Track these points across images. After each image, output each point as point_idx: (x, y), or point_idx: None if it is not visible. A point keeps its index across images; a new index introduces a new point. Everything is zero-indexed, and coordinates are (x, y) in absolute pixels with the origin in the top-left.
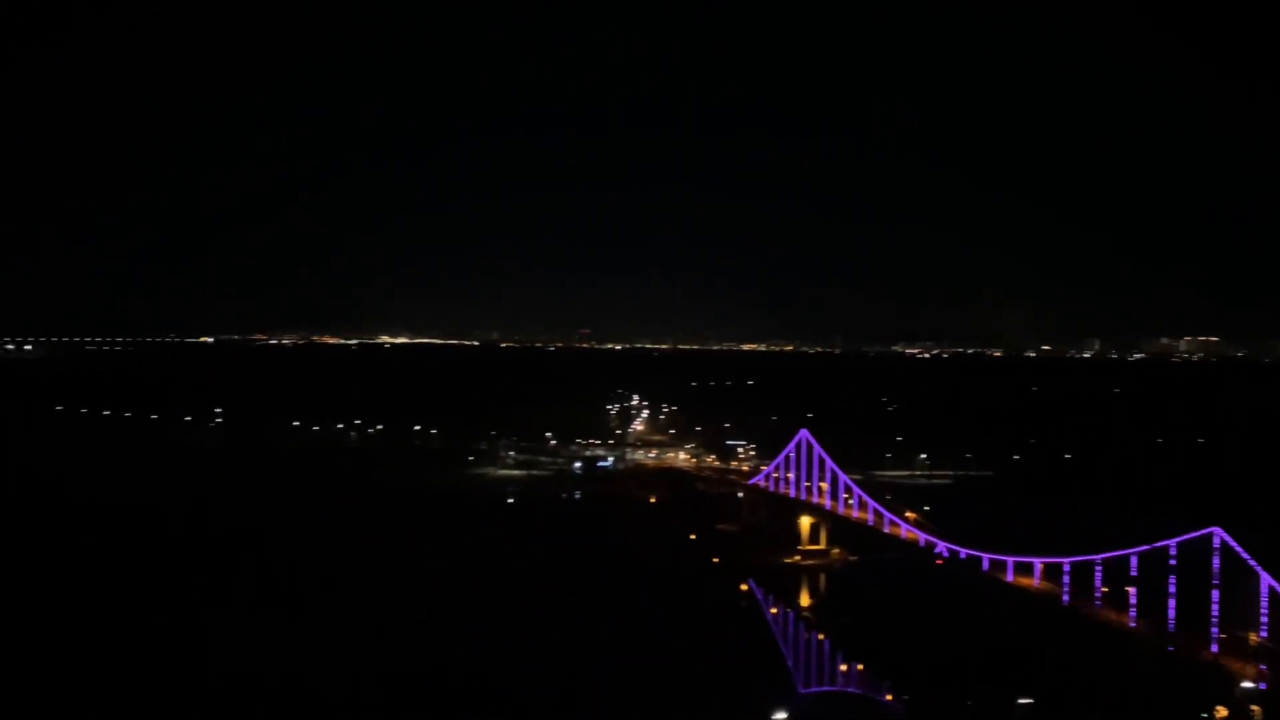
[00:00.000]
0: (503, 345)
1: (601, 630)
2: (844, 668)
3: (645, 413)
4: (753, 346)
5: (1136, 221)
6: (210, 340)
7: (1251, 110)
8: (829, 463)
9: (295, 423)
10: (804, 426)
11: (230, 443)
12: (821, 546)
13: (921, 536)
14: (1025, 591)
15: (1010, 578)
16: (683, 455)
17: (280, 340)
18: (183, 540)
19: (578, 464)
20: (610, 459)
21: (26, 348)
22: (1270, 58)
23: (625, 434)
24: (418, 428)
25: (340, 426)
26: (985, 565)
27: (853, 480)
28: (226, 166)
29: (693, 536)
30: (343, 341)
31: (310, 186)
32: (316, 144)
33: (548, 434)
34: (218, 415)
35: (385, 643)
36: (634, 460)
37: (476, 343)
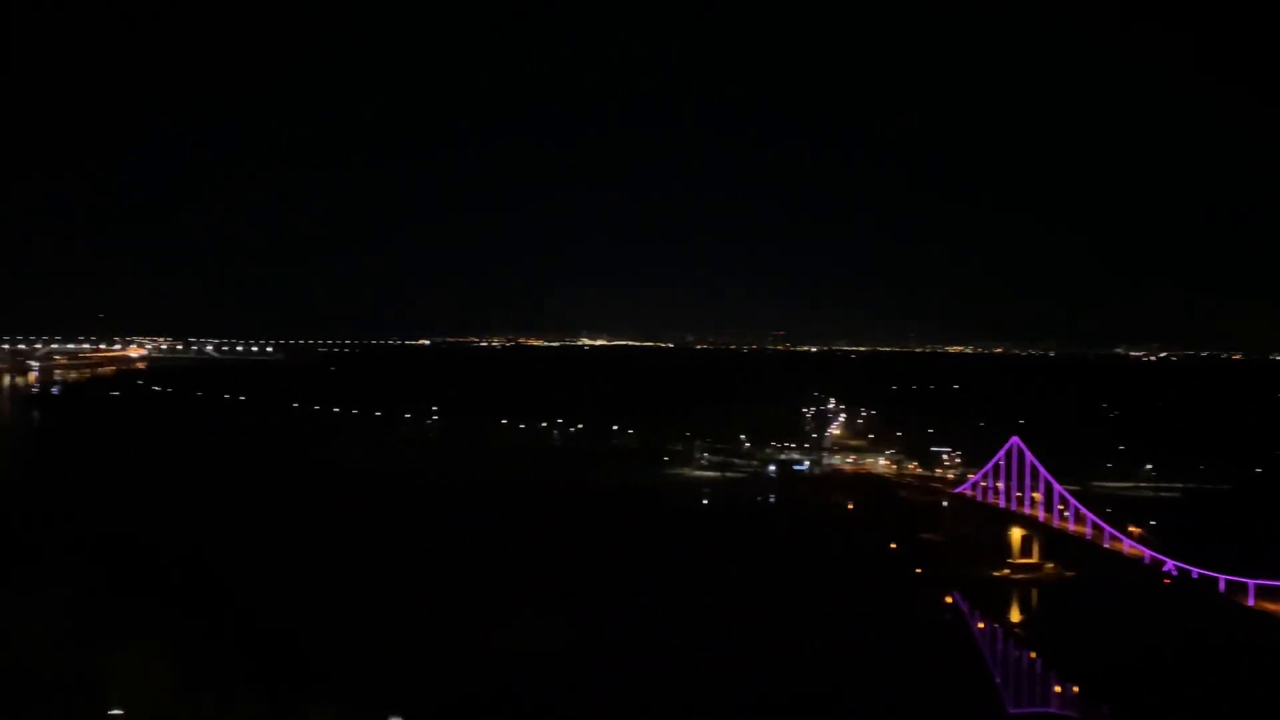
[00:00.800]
0: (698, 347)
1: (798, 641)
2: (1058, 689)
3: (842, 416)
4: (958, 349)
5: None
6: (427, 343)
7: None
8: (1042, 472)
9: (503, 421)
10: (1015, 433)
11: (445, 438)
12: (1034, 560)
13: (1147, 553)
14: (1270, 618)
15: (1251, 602)
16: (882, 461)
17: (490, 342)
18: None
19: (772, 467)
20: (806, 463)
21: (268, 350)
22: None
23: (821, 438)
24: (615, 427)
25: (544, 425)
26: (1221, 587)
27: (1069, 491)
28: (443, 173)
29: (893, 546)
30: (546, 343)
31: (512, 195)
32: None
33: (742, 436)
34: (434, 412)
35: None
36: (830, 465)
37: (671, 345)
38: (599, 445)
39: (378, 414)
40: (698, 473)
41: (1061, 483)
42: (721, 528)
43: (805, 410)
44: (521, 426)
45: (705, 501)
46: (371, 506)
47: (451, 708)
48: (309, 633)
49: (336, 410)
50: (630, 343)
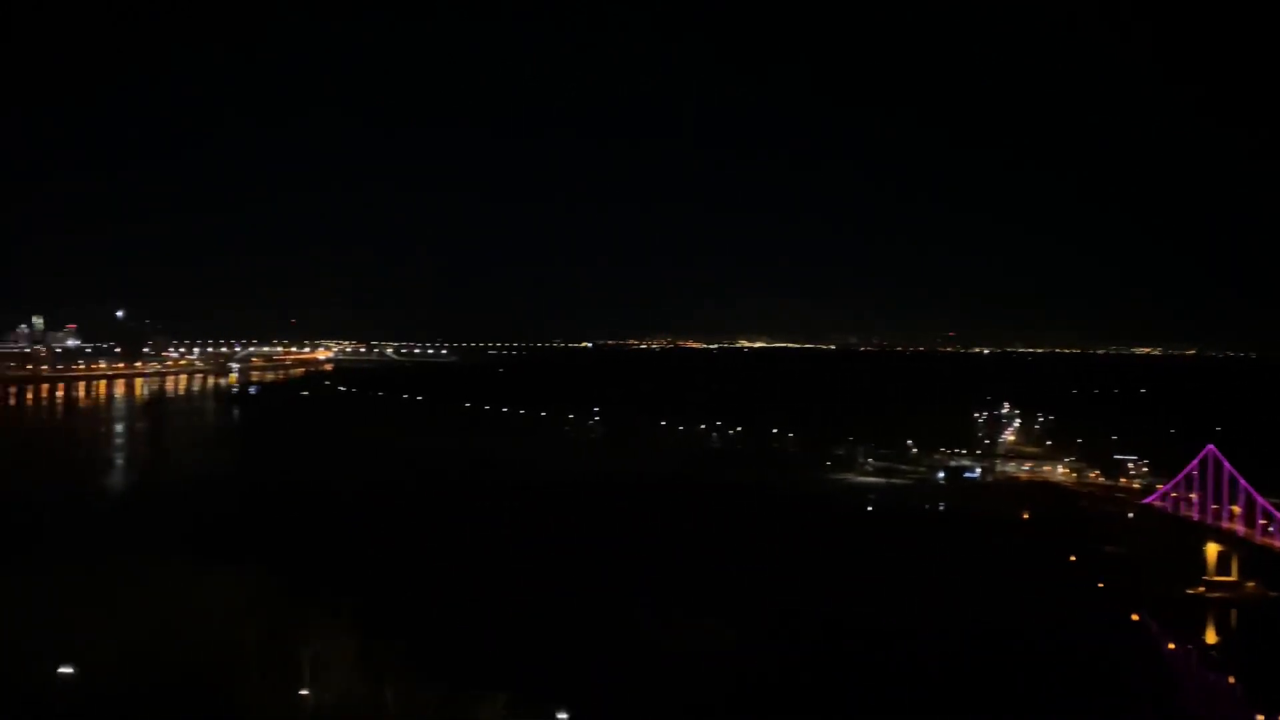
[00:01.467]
0: (862, 349)
1: (971, 656)
2: (1260, 718)
3: (1017, 421)
4: (1146, 350)
5: None
6: (589, 345)
7: None
8: (1242, 483)
9: (662, 422)
10: (1210, 441)
11: (607, 438)
12: (1232, 579)
13: None
14: None
15: None
16: (1061, 469)
17: (649, 344)
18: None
19: (941, 473)
20: (978, 470)
21: (443, 352)
22: None
23: (995, 444)
24: (776, 430)
25: (703, 427)
26: None
27: (1273, 505)
28: (604, 180)
29: (1073, 559)
30: (704, 345)
31: (673, 198)
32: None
33: (909, 441)
34: (596, 413)
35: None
36: (1004, 472)
37: (833, 346)
38: (759, 448)
39: (542, 414)
40: (862, 478)
41: (1265, 496)
42: (887, 535)
43: (977, 415)
44: (680, 428)
45: (870, 508)
46: (541, 504)
47: (619, 705)
48: (484, 622)
49: (505, 410)
50: (790, 345)
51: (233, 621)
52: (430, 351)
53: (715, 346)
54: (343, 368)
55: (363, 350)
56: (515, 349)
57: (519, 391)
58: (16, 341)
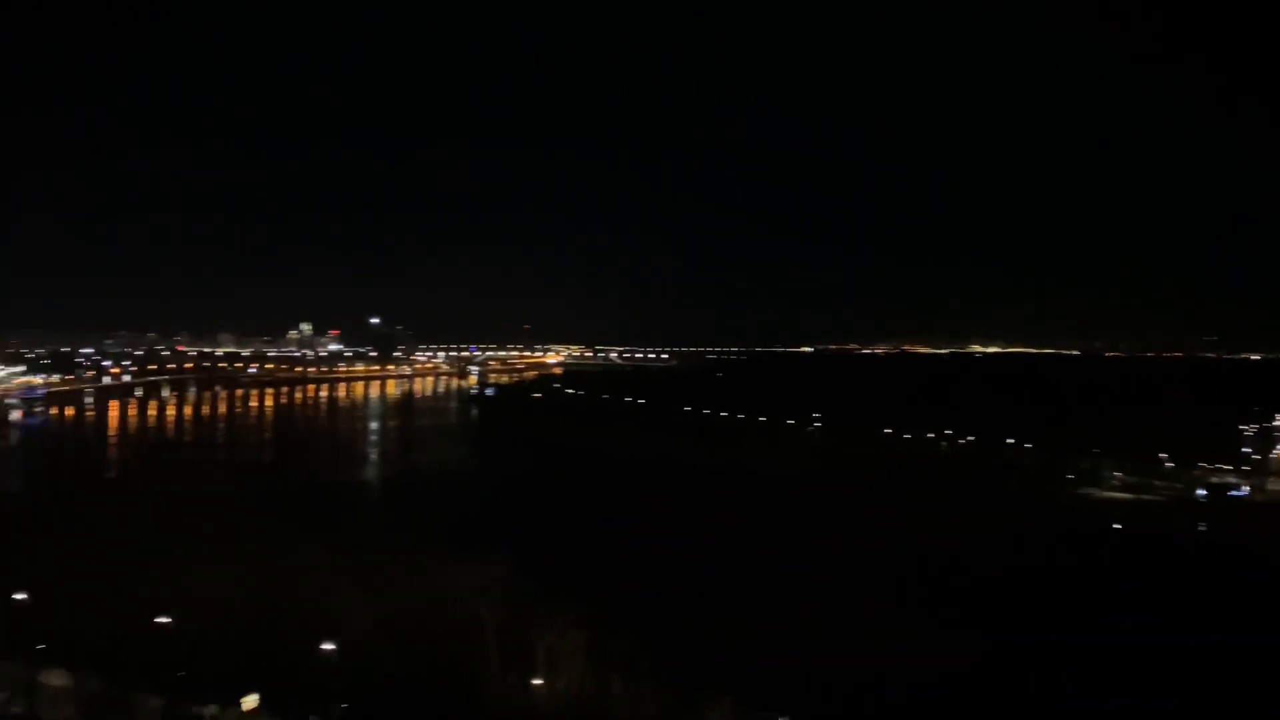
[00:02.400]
0: (1107, 355)
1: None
2: None
3: None
4: None
5: None
6: (810, 350)
7: None
8: None
9: (887, 430)
10: None
11: (827, 444)
12: None
13: None
14: None
15: None
16: None
17: (873, 350)
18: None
19: (1201, 491)
20: (1245, 488)
21: (663, 357)
22: None
23: (1266, 459)
24: (1011, 440)
25: (930, 435)
26: None
27: None
28: (821, 182)
29: None
30: (933, 350)
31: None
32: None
33: (1162, 454)
34: (816, 419)
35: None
36: (1277, 491)
37: (1077, 352)
38: (992, 458)
39: (760, 418)
40: (1108, 494)
41: None
42: (1138, 558)
43: (1245, 427)
44: (906, 436)
45: (1117, 526)
46: (756, 509)
47: (838, 714)
48: (710, 626)
49: (723, 414)
50: (1027, 350)
51: (475, 608)
52: (651, 356)
53: (945, 351)
54: (571, 371)
55: (589, 355)
56: (734, 354)
57: (737, 396)
58: (288, 346)
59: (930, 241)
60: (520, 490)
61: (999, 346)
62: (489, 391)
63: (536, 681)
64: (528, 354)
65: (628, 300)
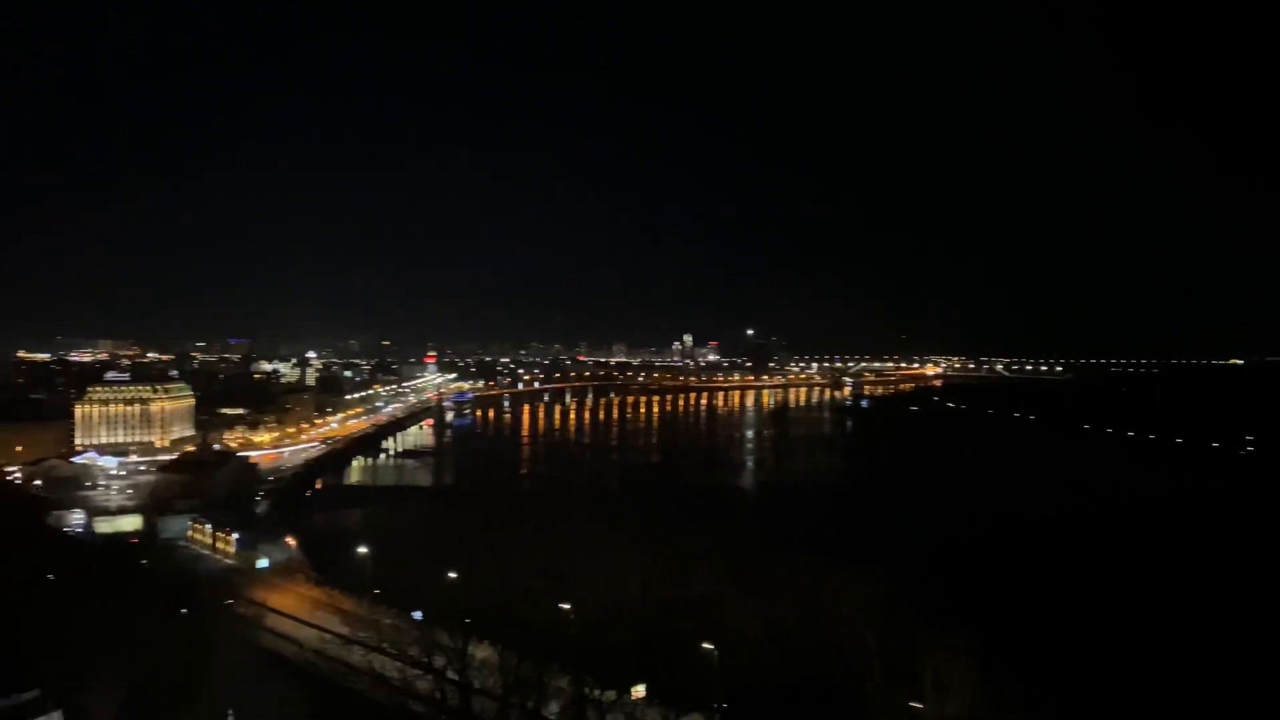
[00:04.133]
0: None
1: None
2: None
3: None
4: None
5: None
6: (1240, 362)
7: None
8: None
9: None
10: None
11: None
12: None
13: None
14: None
15: None
16: None
17: None
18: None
19: None
20: None
21: (1057, 370)
22: None
23: None
24: None
25: None
26: None
27: None
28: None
29: None
30: None
31: None
32: None
33: None
34: (1249, 443)
35: None
36: None
37: None
38: None
39: (1177, 440)
40: None
41: None
42: None
43: None
44: None
45: None
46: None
47: None
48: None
49: (1129, 434)
50: None
51: (857, 621)
52: (1044, 369)
53: None
54: (951, 384)
55: (971, 367)
56: (1144, 366)
57: (1146, 414)
58: (672, 356)
59: None
60: (895, 503)
61: None
62: (864, 404)
63: (915, 705)
64: (904, 366)
65: (1015, 305)
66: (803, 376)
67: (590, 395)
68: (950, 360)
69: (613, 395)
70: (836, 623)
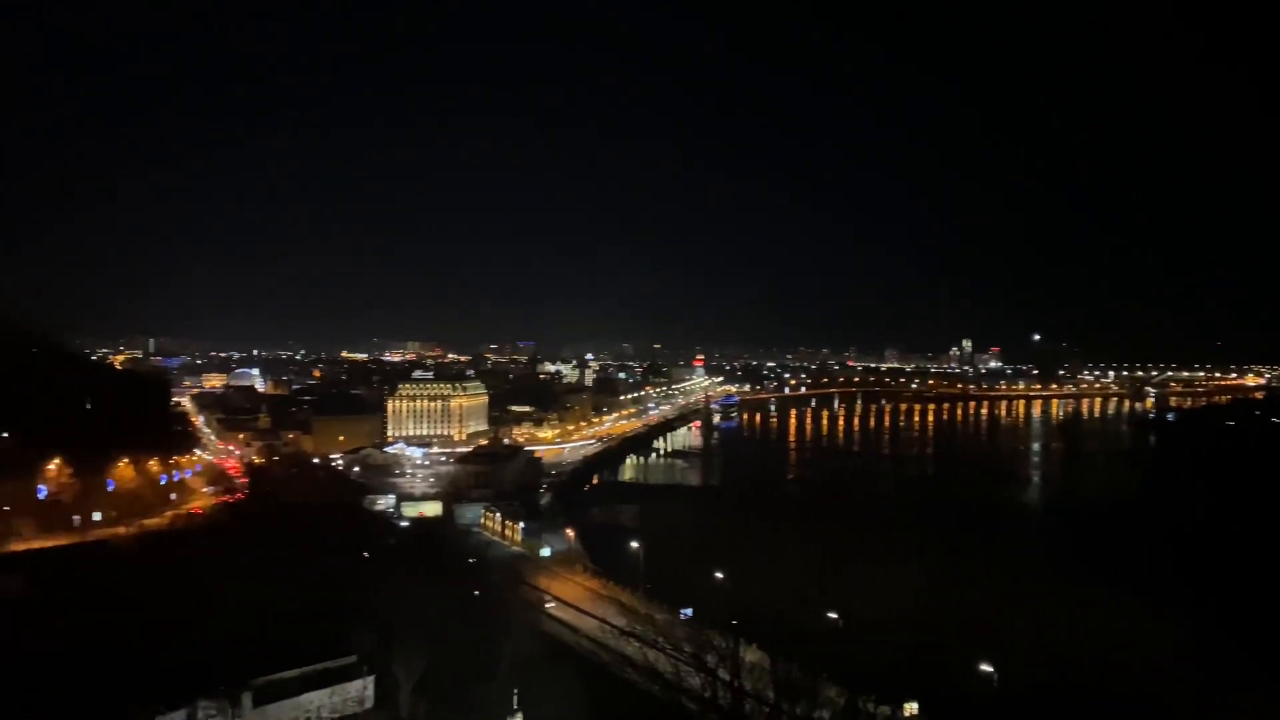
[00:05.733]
0: None
1: None
2: None
3: None
4: None
5: None
6: None
7: None
8: None
9: None
10: None
11: None
12: None
13: None
14: None
15: None
16: None
17: None
18: None
19: None
20: None
21: None
22: None
23: None
24: None
25: None
26: None
27: None
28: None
29: None
30: None
31: None
32: None
33: None
34: None
35: None
36: None
37: None
38: None
39: None
40: None
41: None
42: None
43: None
44: None
45: None
46: None
47: None
48: None
49: None
50: None
51: (1143, 648)
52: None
53: None
54: (1277, 396)
55: None
56: None
57: None
58: (949, 362)
59: None
60: (1208, 533)
61: None
62: (1169, 417)
63: None
64: (1219, 375)
65: None
66: (1097, 386)
67: (859, 401)
68: (1277, 370)
69: (884, 402)
70: (1133, 658)
